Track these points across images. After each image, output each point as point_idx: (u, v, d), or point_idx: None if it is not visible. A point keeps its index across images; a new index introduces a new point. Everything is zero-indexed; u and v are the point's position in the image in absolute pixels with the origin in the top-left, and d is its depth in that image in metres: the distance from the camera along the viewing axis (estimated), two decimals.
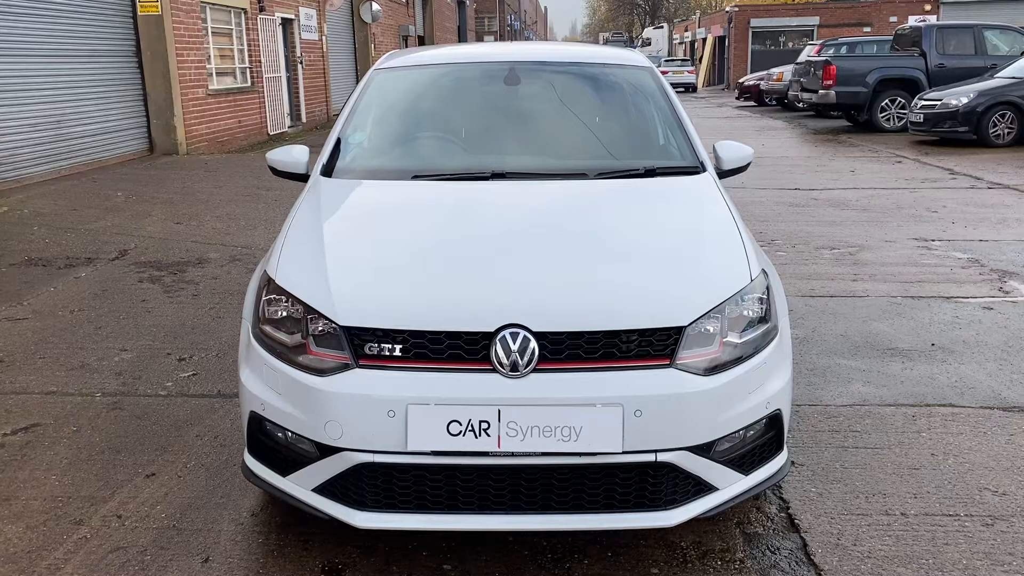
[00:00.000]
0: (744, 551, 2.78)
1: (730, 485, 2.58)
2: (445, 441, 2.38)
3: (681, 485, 2.50)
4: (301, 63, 19.00)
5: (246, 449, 2.82)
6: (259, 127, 16.37)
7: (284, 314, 2.69)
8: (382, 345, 2.47)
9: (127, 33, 12.55)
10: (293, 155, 3.73)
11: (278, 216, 8.61)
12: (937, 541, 2.81)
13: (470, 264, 2.69)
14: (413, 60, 4.14)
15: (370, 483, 2.48)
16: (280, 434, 2.64)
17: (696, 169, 3.44)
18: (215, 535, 2.91)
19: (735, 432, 2.54)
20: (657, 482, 2.47)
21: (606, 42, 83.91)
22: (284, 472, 2.67)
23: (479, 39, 56.33)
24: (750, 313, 2.64)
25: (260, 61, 16.42)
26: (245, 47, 15.97)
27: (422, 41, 34.56)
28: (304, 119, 19.14)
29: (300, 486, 2.61)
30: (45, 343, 4.90)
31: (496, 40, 63.76)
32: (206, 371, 4.45)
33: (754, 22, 39.36)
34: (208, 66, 14.25)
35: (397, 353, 2.46)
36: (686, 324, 2.48)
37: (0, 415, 3.92)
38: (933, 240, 7.37)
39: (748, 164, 3.75)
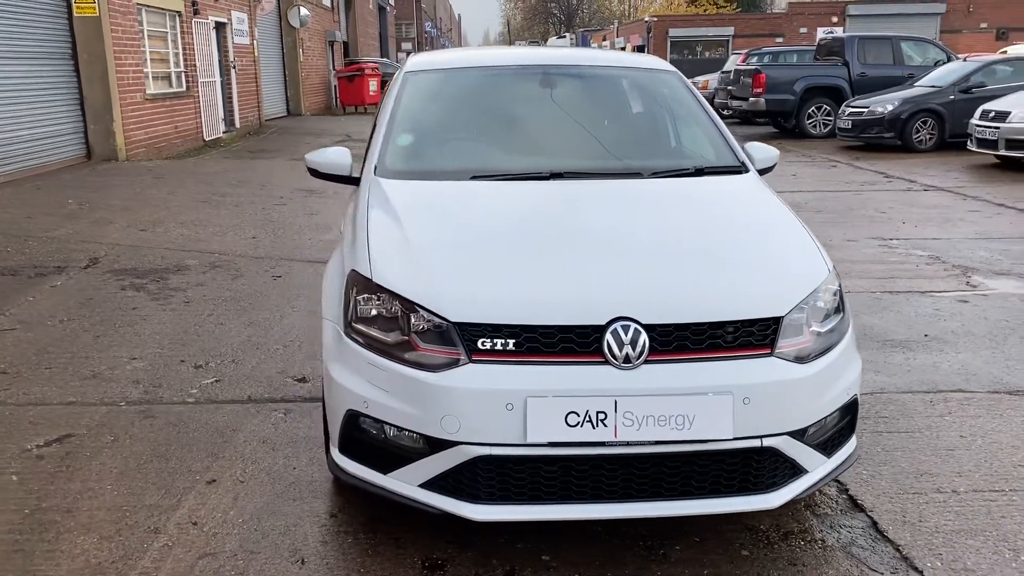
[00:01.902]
0: (821, 531, 2.92)
1: (817, 468, 2.71)
2: (563, 432, 2.45)
3: (780, 469, 2.62)
4: (234, 68, 18.62)
5: (336, 448, 2.82)
6: (195, 133, 15.97)
7: (379, 312, 2.70)
8: (495, 340, 2.51)
9: (63, 35, 12.10)
10: (337, 157, 3.72)
11: (245, 222, 8.47)
12: (993, 515, 3.01)
13: (567, 260, 2.75)
14: (442, 63, 4.17)
15: (485, 476, 2.52)
16: (380, 432, 2.66)
17: (740, 168, 3.58)
18: (301, 537, 2.89)
19: (826, 417, 2.68)
20: (760, 466, 2.58)
21: None
22: (385, 469, 2.68)
23: (398, 45, 56.01)
24: (828, 305, 2.78)
25: (195, 65, 16.03)
26: (180, 51, 15.57)
27: (346, 47, 34.21)
28: (238, 124, 18.75)
29: (405, 482, 2.63)
30: (46, 353, 4.73)
31: (414, 46, 63.54)
32: (228, 378, 4.37)
33: (672, 32, 40.28)
34: (145, 70, 13.85)
35: (511, 347, 2.51)
36: (783, 314, 2.61)
37: (26, 427, 3.78)
38: (891, 239, 7.75)
39: (775, 165, 3.92)
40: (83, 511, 3.06)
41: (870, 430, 3.69)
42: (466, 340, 2.52)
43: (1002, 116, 12.13)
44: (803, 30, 39.64)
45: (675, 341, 2.53)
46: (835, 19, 39.91)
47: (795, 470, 2.65)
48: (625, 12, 77.33)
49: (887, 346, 4.81)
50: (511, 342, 2.51)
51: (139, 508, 3.09)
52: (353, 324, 2.75)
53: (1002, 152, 12.12)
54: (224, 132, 17.66)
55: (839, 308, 2.83)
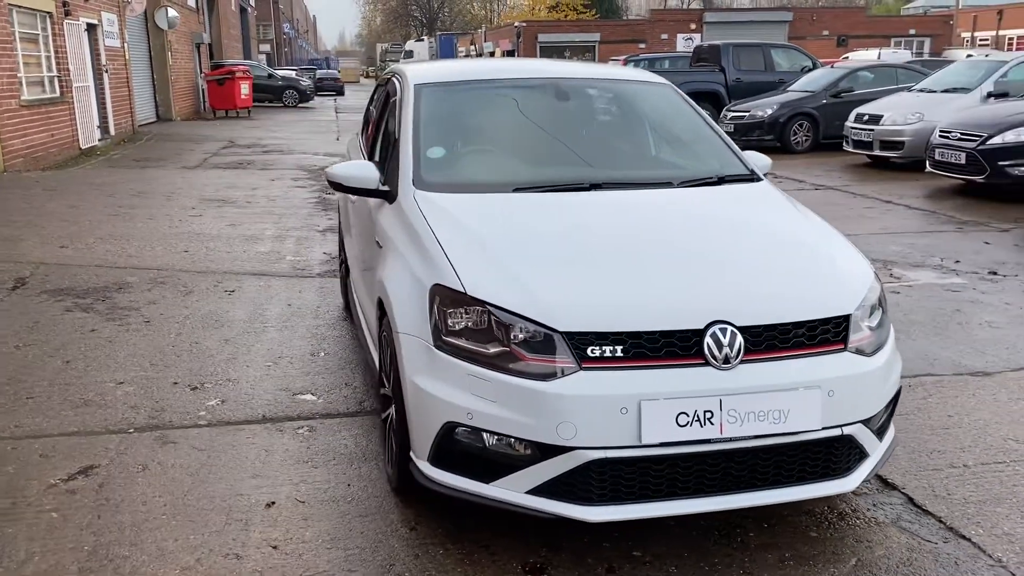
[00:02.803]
0: (869, 509, 3.18)
1: (875, 451, 2.96)
2: (673, 432, 2.58)
3: (852, 454, 2.85)
4: (107, 72, 17.67)
5: (425, 460, 2.85)
6: (71, 141, 15.06)
7: (469, 324, 2.75)
8: (603, 347, 2.62)
9: None
10: (364, 171, 3.70)
11: (169, 235, 8.15)
12: (1006, 483, 3.36)
13: (651, 267, 2.89)
14: (450, 75, 4.20)
15: (598, 478, 2.62)
16: (479, 442, 2.71)
17: (754, 176, 3.82)
18: (391, 551, 2.90)
19: (886, 405, 2.94)
20: (838, 453, 2.80)
21: (385, 52, 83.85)
22: (487, 479, 2.73)
23: (257, 46, 54.44)
24: (874, 302, 3.04)
25: (68, 69, 15.11)
26: (52, 54, 14.64)
27: (211, 49, 32.98)
28: (113, 132, 17.80)
29: (511, 490, 2.70)
30: (19, 382, 4.45)
31: (272, 48, 61.83)
32: (231, 398, 4.26)
33: (541, 37, 41.15)
34: (19, 74, 12.97)
35: (619, 354, 2.62)
36: (852, 312, 2.84)
37: (37, 460, 3.58)
38: None
39: (768, 173, 4.19)
40: (149, 543, 2.95)
41: None
42: (575, 348, 2.62)
43: (875, 119, 13.15)
44: (664, 36, 41.35)
45: (765, 341, 2.71)
46: (693, 26, 41.82)
47: (861, 455, 2.89)
48: (487, 16, 78.10)
49: None
50: (619, 348, 2.63)
51: (208, 535, 3.00)
52: (444, 337, 2.79)
53: (876, 152, 13.14)
54: (100, 140, 16.74)
55: (881, 306, 3.10)
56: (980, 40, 47.19)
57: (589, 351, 2.62)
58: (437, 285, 2.88)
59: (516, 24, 42.55)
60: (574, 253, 2.98)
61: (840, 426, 2.76)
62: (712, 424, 2.60)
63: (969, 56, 27.48)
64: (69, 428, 3.90)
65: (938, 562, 2.85)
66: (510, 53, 43.83)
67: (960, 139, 10.42)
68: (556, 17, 49.54)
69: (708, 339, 2.65)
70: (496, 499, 2.73)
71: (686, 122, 4.15)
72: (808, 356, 2.74)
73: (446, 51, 64.76)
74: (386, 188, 3.67)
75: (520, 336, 2.68)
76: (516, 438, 2.65)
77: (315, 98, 37.01)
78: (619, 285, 2.78)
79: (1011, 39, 46.57)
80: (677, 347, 2.65)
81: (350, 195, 4.44)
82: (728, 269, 2.92)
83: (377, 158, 4.49)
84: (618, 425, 2.57)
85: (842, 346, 2.81)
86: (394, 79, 4.48)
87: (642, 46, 40.76)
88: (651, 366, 2.63)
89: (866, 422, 2.84)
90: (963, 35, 46.28)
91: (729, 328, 2.67)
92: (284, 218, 9.32)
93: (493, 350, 2.70)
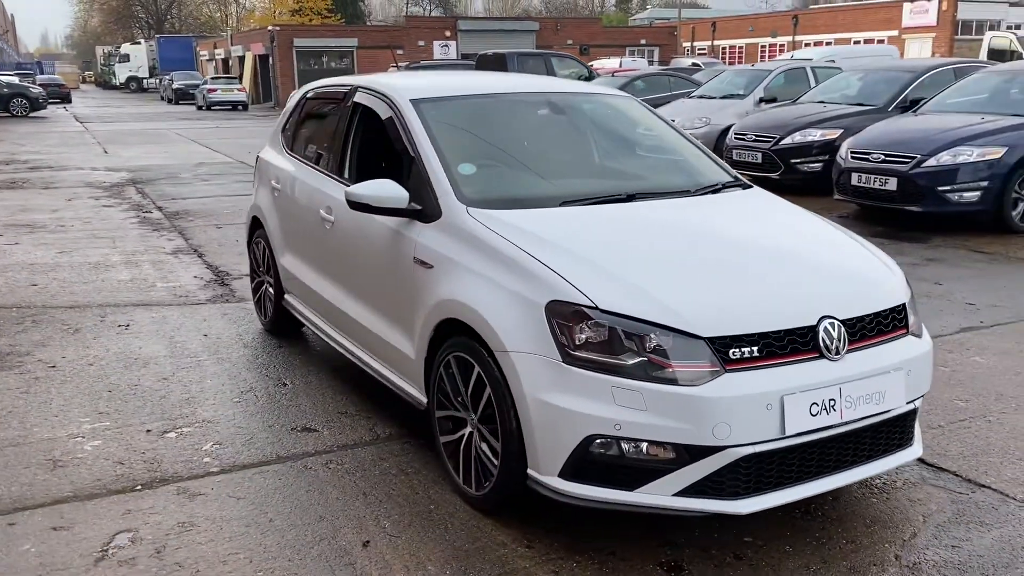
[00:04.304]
0: (898, 475, 3.59)
1: (917, 421, 3.38)
2: (808, 422, 2.81)
3: (912, 425, 3.23)
4: None
5: (557, 476, 2.86)
6: None
7: (593, 337, 2.81)
8: (741, 349, 2.79)
9: None
10: (392, 191, 3.55)
11: (48, 263, 7.17)
12: (980, 436, 3.92)
13: (748, 271, 3.09)
14: (439, 90, 4.12)
15: (744, 473, 2.79)
16: (617, 451, 2.78)
17: (746, 183, 4.13)
18: (528, 571, 2.87)
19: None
20: (907, 425, 3.18)
21: (109, 56, 77.41)
22: (631, 487, 2.81)
23: None
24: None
25: None
26: None
27: None
28: None
29: (658, 494, 2.79)
30: None
31: None
32: (226, 440, 3.92)
33: (297, 41, 40.05)
34: None
35: (755, 354, 2.81)
36: (907, 300, 3.23)
37: (50, 534, 3.12)
38: None
39: None
40: None
41: None
42: (718, 352, 2.76)
43: None
44: (421, 43, 41.85)
45: (859, 331, 3.01)
46: (448, 33, 42.69)
47: (914, 425, 3.28)
48: (224, 19, 74.61)
49: None
50: (754, 349, 2.81)
51: None
52: (573, 352, 2.82)
53: None
54: None
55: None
56: (699, 49, 52.41)
57: (731, 354, 2.78)
58: (555, 301, 2.89)
59: (270, 28, 41.09)
60: (671, 261, 3.12)
61: (912, 401, 3.13)
62: (835, 411, 2.86)
63: (694, 64, 30.55)
64: (60, 494, 3.42)
65: (981, 509, 3.31)
66: (264, 58, 42.27)
67: (755, 140, 11.63)
68: (300, 21, 48.46)
69: (821, 333, 2.90)
70: (644, 505, 2.81)
71: (664, 133, 4.39)
72: (887, 342, 3.09)
73: (170, 54, 60.79)
74: (418, 207, 3.57)
75: (654, 344, 2.78)
76: (664, 443, 2.75)
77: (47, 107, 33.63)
78: (733, 289, 2.96)
79: (724, 48, 52.17)
80: (798, 343, 2.88)
81: (325, 215, 4.25)
82: (812, 267, 3.20)
83: (348, 175, 4.32)
84: (764, 420, 2.75)
85: (905, 331, 3.18)
86: (366, 94, 4.31)
87: (399, 52, 40.98)
88: (781, 363, 2.83)
89: (921, 398, 3.23)
90: (684, 45, 51.08)
91: (835, 322, 2.94)
92: (119, 241, 8.50)
93: (632, 361, 2.77)
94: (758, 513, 3.10)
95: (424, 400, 3.57)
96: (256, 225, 5.49)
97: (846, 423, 2.90)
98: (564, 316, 2.86)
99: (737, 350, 2.79)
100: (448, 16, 43.00)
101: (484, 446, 3.18)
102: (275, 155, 5.35)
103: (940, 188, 8.40)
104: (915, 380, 3.11)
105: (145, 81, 64.95)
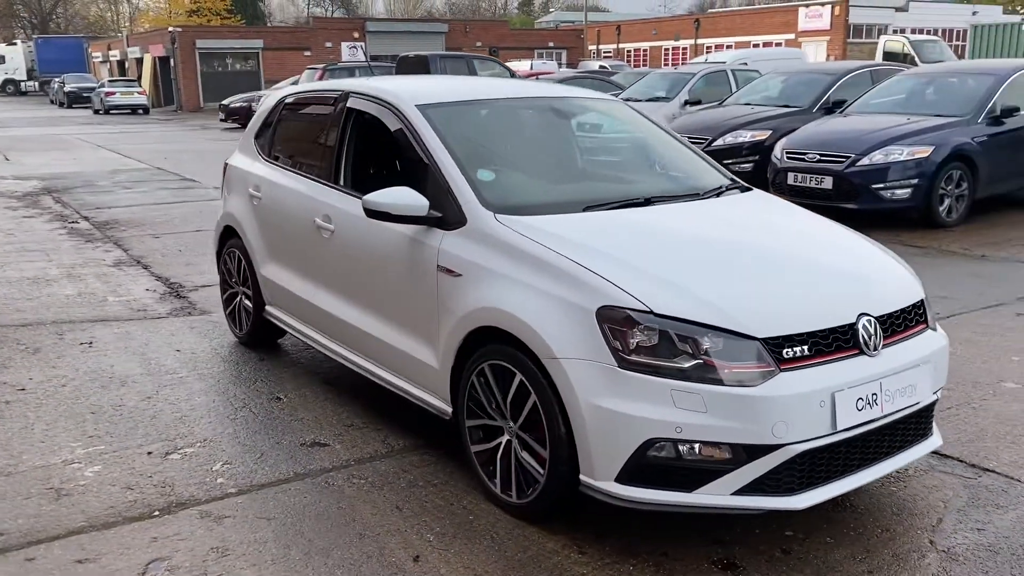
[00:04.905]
0: (928, 468, 3.71)
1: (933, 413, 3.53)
2: (856, 416, 2.91)
3: (932, 417, 3.37)
4: None
5: (613, 480, 2.87)
6: None
7: (650, 341, 2.83)
8: (793, 349, 2.86)
9: None
10: (411, 198, 3.49)
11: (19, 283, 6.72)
12: (970, 422, 4.11)
13: (786, 272, 3.16)
14: (442, 95, 4.05)
15: (799, 469, 2.86)
16: (674, 453, 2.81)
17: (744, 185, 4.22)
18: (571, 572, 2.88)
19: None
20: (929, 416, 3.31)
21: None
22: (689, 488, 2.84)
23: None
24: None
25: None
26: None
27: None
28: None
29: (716, 494, 2.83)
30: None
31: None
32: (235, 460, 3.78)
33: (200, 43, 38.80)
34: None
35: (805, 353, 2.88)
36: (924, 295, 3.37)
37: (75, 567, 2.94)
38: None
39: None
40: None
41: None
42: (772, 353, 2.82)
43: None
44: (329, 44, 41.21)
45: (890, 327, 3.13)
46: (356, 34, 42.16)
47: (932, 416, 3.43)
48: (114, 19, 71.79)
49: None
50: (804, 348, 2.88)
51: None
52: (628, 357, 2.83)
53: None
54: None
55: None
56: (604, 52, 53.31)
57: (784, 353, 2.84)
58: (606, 307, 2.89)
59: (171, 29, 39.68)
60: (709, 265, 3.16)
61: (935, 392, 3.27)
62: (876, 405, 2.96)
63: (602, 67, 31.08)
64: (73, 524, 3.23)
65: (992, 492, 3.48)
66: (164, 60, 40.81)
67: (692, 143, 11.90)
68: (198, 22, 47.03)
69: (860, 331, 3.00)
70: (704, 505, 2.85)
71: (662, 137, 4.45)
72: (913, 337, 3.21)
73: (49, 55, 57.95)
74: (438, 215, 3.52)
75: (708, 346, 2.82)
76: (721, 443, 2.79)
77: None
78: (775, 290, 3.03)
79: (629, 51, 53.20)
80: (840, 341, 2.96)
81: (323, 223, 4.15)
82: (840, 267, 3.30)
83: (343, 182, 4.23)
84: (818, 417, 2.83)
85: (925, 326, 3.32)
86: (361, 99, 4.22)
87: (307, 54, 40.27)
88: (828, 361, 2.91)
89: (940, 389, 3.38)
90: (590, 48, 51.89)
91: (871, 319, 3.04)
92: (52, 254, 8.08)
93: (689, 363, 2.80)
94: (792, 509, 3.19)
95: (449, 410, 3.52)
96: (229, 234, 5.30)
97: (885, 416, 3.00)
98: (616, 321, 2.87)
99: (790, 350, 2.85)
100: (356, 17, 42.30)
101: (526, 454, 3.16)
102: (250, 162, 5.17)
103: (874, 186, 8.71)
104: (938, 372, 3.25)
105: (23, 84, 61.57)
